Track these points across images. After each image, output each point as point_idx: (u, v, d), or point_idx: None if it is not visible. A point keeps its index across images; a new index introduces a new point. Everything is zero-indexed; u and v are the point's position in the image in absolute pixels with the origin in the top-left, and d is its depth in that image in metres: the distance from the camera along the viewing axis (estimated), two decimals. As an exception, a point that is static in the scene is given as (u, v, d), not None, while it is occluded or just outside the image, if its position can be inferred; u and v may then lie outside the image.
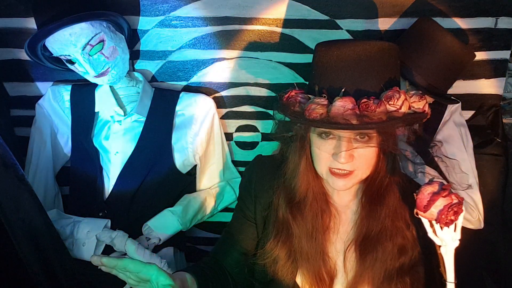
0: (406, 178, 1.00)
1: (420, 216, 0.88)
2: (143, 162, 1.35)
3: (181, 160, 1.40)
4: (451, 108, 1.39)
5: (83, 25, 1.19)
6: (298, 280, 1.01)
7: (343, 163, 0.88)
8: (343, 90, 0.86)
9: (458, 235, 0.88)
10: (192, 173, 1.49)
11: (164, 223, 1.36)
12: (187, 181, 1.47)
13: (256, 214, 1.07)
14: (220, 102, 1.49)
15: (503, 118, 1.50)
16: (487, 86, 1.44)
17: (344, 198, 1.02)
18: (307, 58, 1.42)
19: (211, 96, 1.45)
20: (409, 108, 0.87)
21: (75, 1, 1.19)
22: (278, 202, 1.02)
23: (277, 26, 1.39)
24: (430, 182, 0.88)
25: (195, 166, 1.47)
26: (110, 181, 1.36)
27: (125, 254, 1.30)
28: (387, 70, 0.88)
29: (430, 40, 1.21)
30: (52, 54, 1.26)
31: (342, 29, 1.39)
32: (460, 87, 1.42)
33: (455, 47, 1.20)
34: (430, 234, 0.89)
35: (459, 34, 1.36)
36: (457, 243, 0.88)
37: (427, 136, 1.41)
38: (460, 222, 0.87)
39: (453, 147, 1.36)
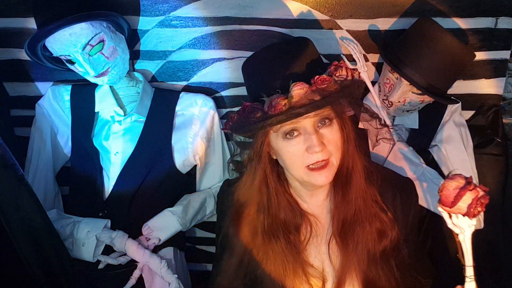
0: (369, 160, 1.04)
1: (442, 211, 0.91)
2: (143, 162, 1.35)
3: (181, 160, 1.40)
4: (451, 108, 1.39)
5: (83, 25, 1.19)
6: None
7: (318, 152, 0.90)
8: (290, 81, 0.90)
9: (474, 221, 0.91)
10: (192, 173, 1.49)
11: (164, 223, 1.36)
12: (187, 181, 1.47)
13: None
14: (220, 102, 1.49)
15: (503, 118, 1.50)
16: (487, 86, 1.44)
17: (319, 197, 1.04)
18: (307, 58, 1.42)
19: (211, 96, 1.45)
20: (353, 76, 0.95)
21: (75, 1, 1.19)
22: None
23: (277, 26, 1.39)
24: (451, 176, 0.90)
25: (195, 166, 1.47)
26: (110, 181, 1.36)
27: (125, 254, 1.30)
28: (314, 53, 0.97)
29: (430, 40, 1.21)
30: (52, 54, 1.26)
31: (342, 29, 1.39)
32: (460, 87, 1.42)
33: (455, 47, 1.20)
34: (450, 225, 0.92)
35: (459, 34, 1.36)
36: (473, 229, 0.91)
37: (427, 136, 1.42)
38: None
39: (453, 147, 1.36)
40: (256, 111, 0.92)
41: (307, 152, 0.91)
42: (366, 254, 0.98)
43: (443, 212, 0.92)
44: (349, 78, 0.94)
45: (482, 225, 1.35)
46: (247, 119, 0.93)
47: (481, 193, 0.87)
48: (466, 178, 0.88)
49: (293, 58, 0.94)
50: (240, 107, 0.97)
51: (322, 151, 0.91)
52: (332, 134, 0.93)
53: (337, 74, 0.93)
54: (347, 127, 0.97)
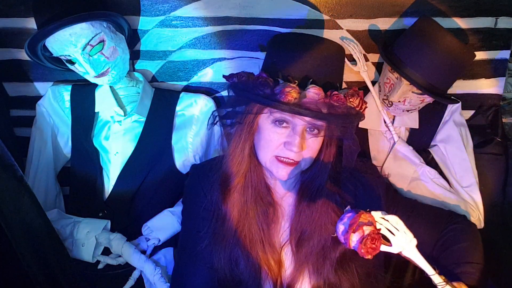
0: (339, 175, 1.03)
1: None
2: (143, 163, 1.35)
3: (181, 160, 1.40)
4: (451, 108, 1.39)
5: (83, 25, 1.19)
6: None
7: (295, 152, 0.92)
8: (310, 80, 0.91)
9: (410, 234, 0.89)
10: (192, 173, 1.49)
11: (164, 224, 1.35)
12: (187, 181, 1.47)
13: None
14: (220, 102, 1.49)
15: (503, 117, 1.50)
16: (487, 86, 1.44)
17: (282, 189, 1.05)
18: (307, 58, 1.42)
19: (211, 96, 1.45)
20: (362, 109, 0.95)
21: (75, 1, 1.19)
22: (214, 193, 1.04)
23: (277, 26, 1.39)
24: (341, 218, 0.87)
25: (195, 166, 1.47)
26: (110, 181, 1.35)
27: (121, 256, 1.30)
28: (341, 70, 0.98)
29: (430, 40, 1.21)
30: (52, 54, 1.25)
31: (342, 28, 1.39)
32: (460, 87, 1.42)
33: (455, 47, 1.20)
34: (382, 248, 0.88)
35: (459, 34, 1.36)
36: (415, 241, 0.90)
37: (427, 136, 1.42)
38: (402, 228, 0.89)
39: (453, 147, 1.36)
40: (267, 87, 0.90)
41: (283, 145, 0.93)
42: (321, 261, 0.99)
43: None
44: (358, 108, 0.94)
45: (482, 225, 1.35)
46: (254, 87, 0.92)
47: (367, 231, 0.82)
48: (351, 217, 0.84)
49: (324, 61, 0.93)
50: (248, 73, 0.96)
51: (297, 153, 0.93)
52: (314, 143, 0.95)
53: (350, 99, 0.93)
54: (330, 145, 0.99)
